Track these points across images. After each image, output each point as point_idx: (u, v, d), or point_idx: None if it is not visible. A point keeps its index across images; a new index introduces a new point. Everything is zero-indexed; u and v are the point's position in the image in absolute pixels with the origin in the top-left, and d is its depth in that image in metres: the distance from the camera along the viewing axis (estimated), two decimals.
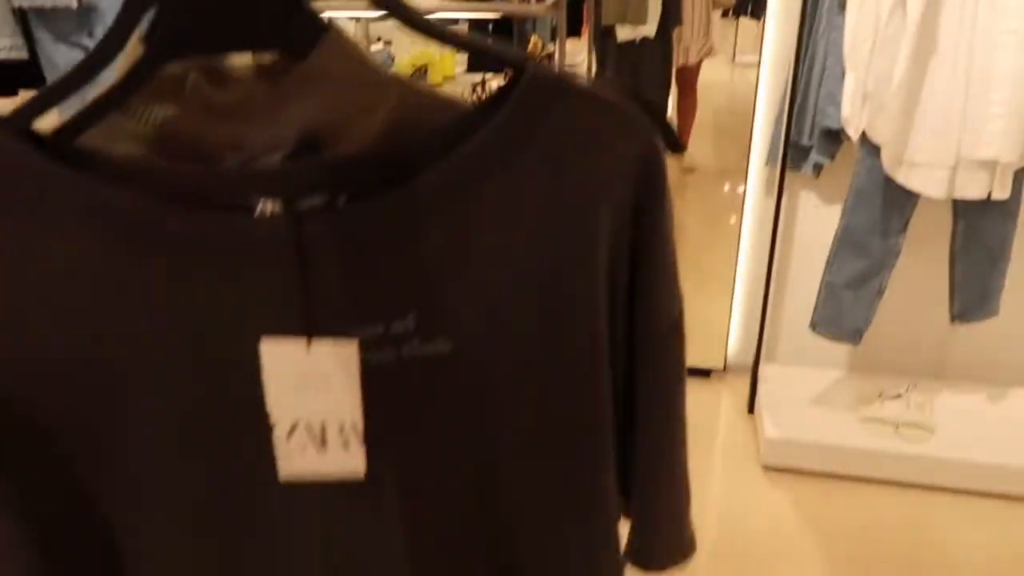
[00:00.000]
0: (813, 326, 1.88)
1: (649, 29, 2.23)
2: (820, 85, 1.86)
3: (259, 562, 0.50)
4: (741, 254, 2.22)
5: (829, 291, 1.83)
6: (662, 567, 0.61)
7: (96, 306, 0.42)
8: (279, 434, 0.49)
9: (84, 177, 0.41)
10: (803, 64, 1.86)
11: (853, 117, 1.69)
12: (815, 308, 1.87)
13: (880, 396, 1.98)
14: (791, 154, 1.95)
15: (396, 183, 0.43)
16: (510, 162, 0.45)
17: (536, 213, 0.45)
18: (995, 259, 1.78)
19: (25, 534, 0.46)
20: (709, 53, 2.32)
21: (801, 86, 1.87)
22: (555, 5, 1.82)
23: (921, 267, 2.01)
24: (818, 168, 1.95)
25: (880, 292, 1.80)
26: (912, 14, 1.52)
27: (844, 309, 1.82)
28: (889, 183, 1.66)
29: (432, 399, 0.48)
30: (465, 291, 0.46)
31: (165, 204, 0.41)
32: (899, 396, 1.95)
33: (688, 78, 2.36)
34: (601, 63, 2.25)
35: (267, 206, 0.42)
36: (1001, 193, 1.60)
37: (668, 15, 2.22)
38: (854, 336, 1.84)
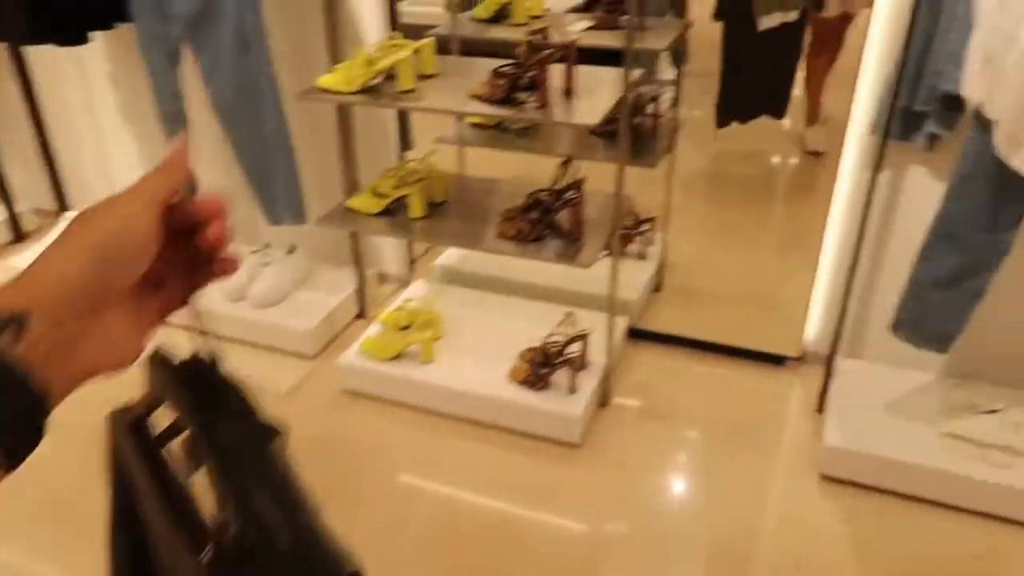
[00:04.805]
0: (893, 328, 1.63)
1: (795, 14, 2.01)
2: (944, 41, 1.55)
3: None
4: (831, 230, 1.96)
5: (915, 289, 1.57)
6: None
7: None
8: None
9: None
10: (923, 12, 1.54)
11: (974, 83, 1.40)
12: (897, 307, 1.62)
13: (972, 409, 1.71)
14: (902, 121, 1.65)
15: None
16: None
17: None
18: None
19: None
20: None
21: (918, 40, 1.56)
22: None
23: None
24: (932, 140, 1.65)
25: (978, 295, 1.52)
26: None
27: (931, 311, 1.56)
28: (1002, 168, 1.37)
29: None
30: None
31: None
32: (994, 412, 1.67)
33: (830, 30, 2.05)
34: (727, 52, 2.06)
35: None
36: None
37: None
38: (940, 342, 1.58)
